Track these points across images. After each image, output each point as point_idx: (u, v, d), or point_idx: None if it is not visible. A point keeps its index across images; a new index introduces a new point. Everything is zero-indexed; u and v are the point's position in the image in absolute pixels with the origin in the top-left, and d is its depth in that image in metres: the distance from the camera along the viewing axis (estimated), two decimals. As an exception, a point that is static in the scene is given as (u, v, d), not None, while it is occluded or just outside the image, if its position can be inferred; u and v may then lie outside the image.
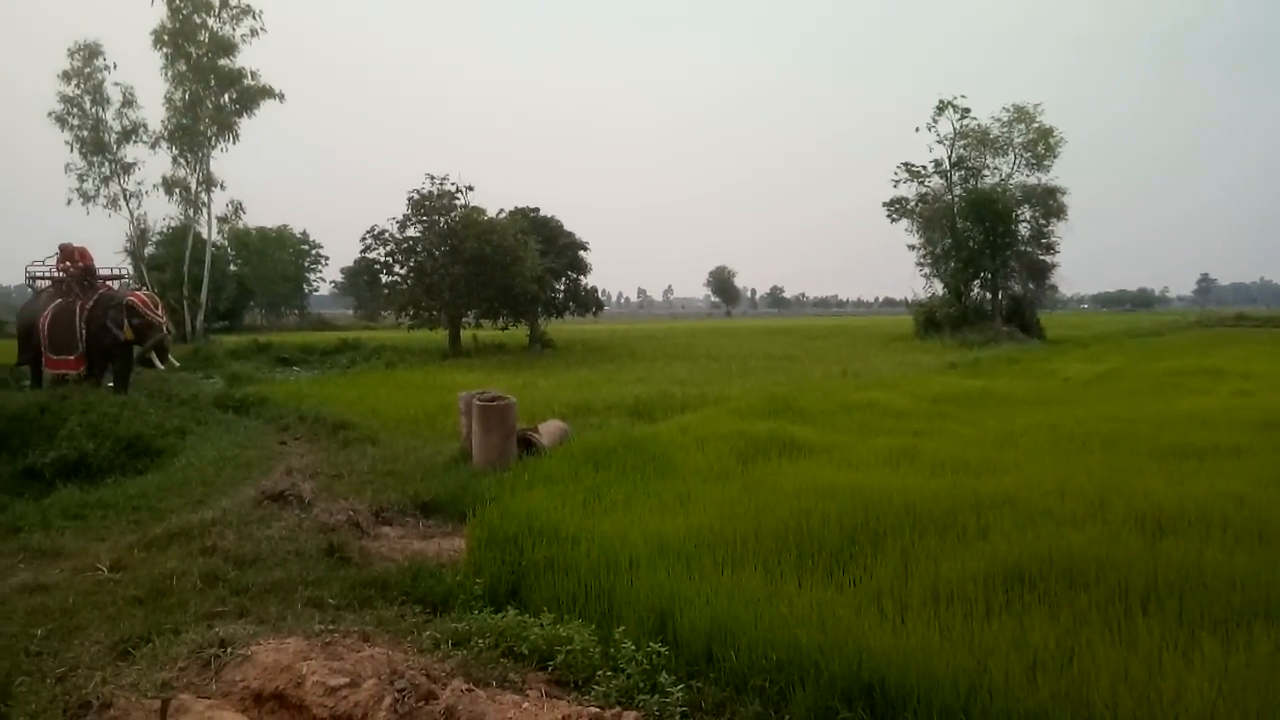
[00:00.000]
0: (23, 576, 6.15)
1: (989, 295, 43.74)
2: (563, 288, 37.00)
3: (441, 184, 31.50)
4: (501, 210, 34.24)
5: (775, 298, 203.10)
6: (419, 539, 7.48)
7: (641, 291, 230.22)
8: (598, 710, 3.28)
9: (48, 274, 19.14)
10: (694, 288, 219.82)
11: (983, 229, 41.88)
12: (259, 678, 3.84)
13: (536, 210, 36.49)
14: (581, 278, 37.59)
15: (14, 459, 12.19)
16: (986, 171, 43.90)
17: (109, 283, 18.96)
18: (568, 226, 37.02)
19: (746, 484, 7.51)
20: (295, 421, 14.27)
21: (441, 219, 31.24)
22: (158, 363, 16.62)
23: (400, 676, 3.63)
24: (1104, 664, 3.75)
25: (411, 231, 31.86)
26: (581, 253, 37.00)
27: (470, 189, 31.85)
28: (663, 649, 4.19)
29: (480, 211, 31.84)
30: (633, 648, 4.19)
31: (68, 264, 18.44)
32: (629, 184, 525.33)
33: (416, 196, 31.44)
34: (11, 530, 7.57)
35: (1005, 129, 43.08)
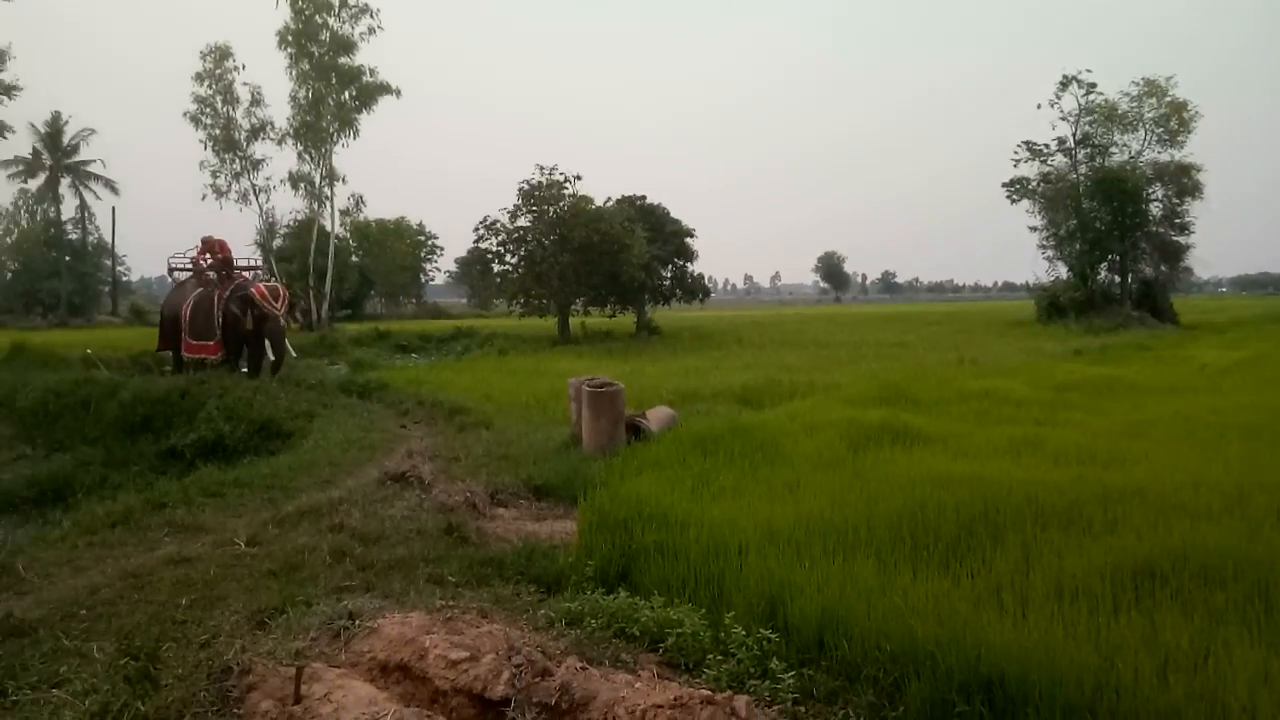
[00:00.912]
0: (168, 549, 6.62)
1: (1117, 279, 41.53)
2: (669, 275, 37.07)
3: (550, 174, 32.03)
4: (609, 199, 34.61)
5: (887, 283, 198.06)
6: (532, 521, 7.67)
7: (748, 278, 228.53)
8: (709, 693, 3.30)
9: (186, 265, 20.47)
10: (802, 274, 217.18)
11: (1110, 209, 39.72)
12: (385, 649, 4.02)
13: (643, 198, 36.66)
14: (688, 265, 37.58)
15: (157, 440, 13.14)
16: (1114, 149, 41.54)
17: (245, 273, 20.12)
18: (674, 214, 37.07)
19: (857, 472, 7.39)
20: (414, 406, 14.82)
21: (550, 208, 31.77)
22: (270, 354, 17.42)
23: (517, 652, 3.74)
24: (1241, 665, 3.56)
25: (522, 221, 32.54)
26: (688, 240, 36.97)
27: (578, 178, 32.32)
28: (773, 635, 4.18)
29: (588, 200, 32.24)
30: (743, 633, 4.20)
31: (207, 255, 19.65)
32: (735, 169, 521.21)
33: (526, 187, 32.07)
34: (157, 506, 8.13)
35: (1135, 104, 40.60)
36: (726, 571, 4.97)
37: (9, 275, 54.84)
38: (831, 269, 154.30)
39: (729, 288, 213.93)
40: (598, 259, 30.76)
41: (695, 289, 38.08)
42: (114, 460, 12.20)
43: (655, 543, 5.53)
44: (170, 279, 22.09)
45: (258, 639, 4.41)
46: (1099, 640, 3.85)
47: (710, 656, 4.15)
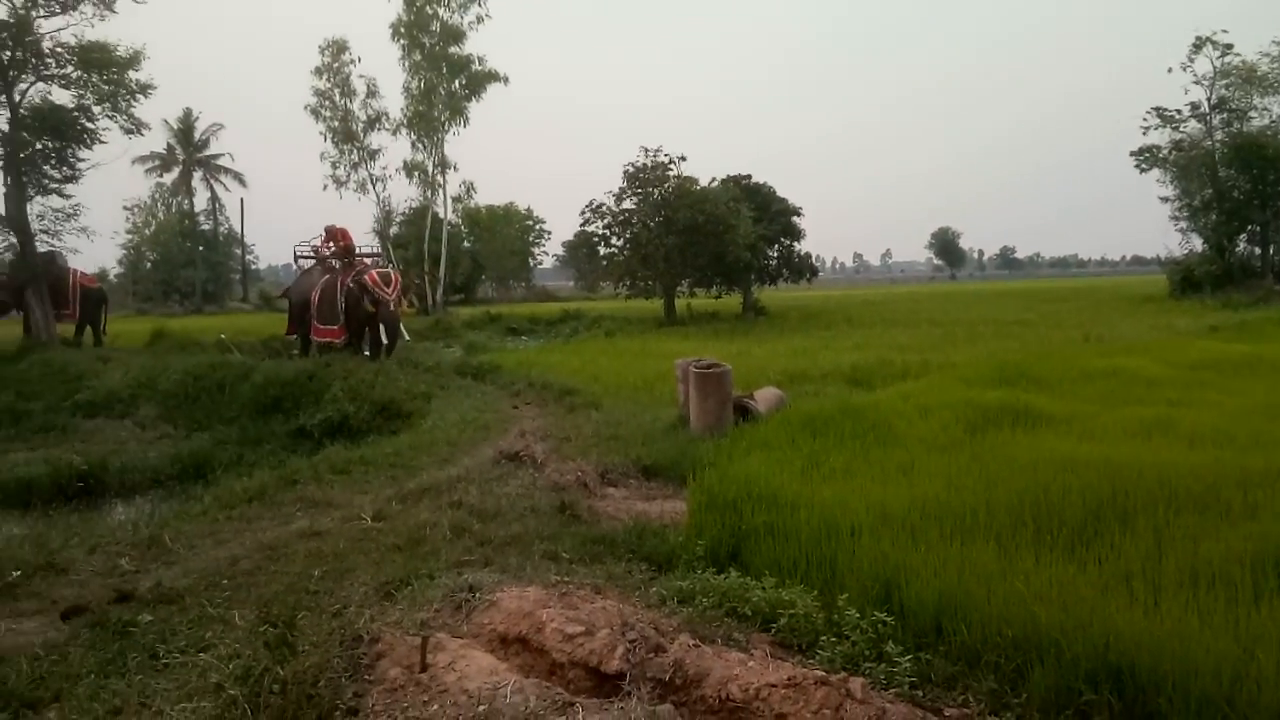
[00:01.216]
0: (301, 524, 7.00)
1: (1258, 250, 38.79)
2: (775, 254, 36.61)
3: (654, 156, 32.04)
4: (713, 179, 34.37)
5: (1006, 258, 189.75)
6: (642, 500, 7.76)
7: (858, 256, 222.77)
8: (823, 674, 3.29)
9: (309, 253, 21.48)
10: (914, 251, 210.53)
11: (1249, 177, 37.04)
12: (504, 622, 4.15)
13: (748, 177, 36.25)
14: (795, 244, 37.01)
15: (288, 420, 13.85)
16: (1253, 113, 38.64)
17: (365, 260, 20.98)
18: (780, 192, 36.53)
19: (975, 454, 7.16)
20: (525, 387, 15.14)
21: (655, 190, 31.80)
22: (383, 336, 18.02)
23: (631, 628, 3.80)
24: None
25: (627, 204, 32.69)
26: (795, 218, 36.39)
27: (682, 159, 32.20)
28: (888, 619, 4.12)
29: (692, 181, 32.13)
30: (857, 616, 4.16)
31: (331, 244, 20.58)
32: (845, 143, 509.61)
33: (631, 169, 32.18)
34: (290, 482, 8.59)
35: (1275, 65, 37.64)
36: (839, 553, 4.92)
37: (149, 265, 58.62)
38: (946, 245, 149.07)
39: (837, 266, 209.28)
40: (703, 240, 30.65)
41: (802, 268, 37.50)
42: (248, 439, 12.91)
43: (765, 523, 5.52)
44: (295, 267, 23.24)
45: (385, 609, 4.62)
46: (1238, 630, 3.64)
47: (824, 638, 4.13)
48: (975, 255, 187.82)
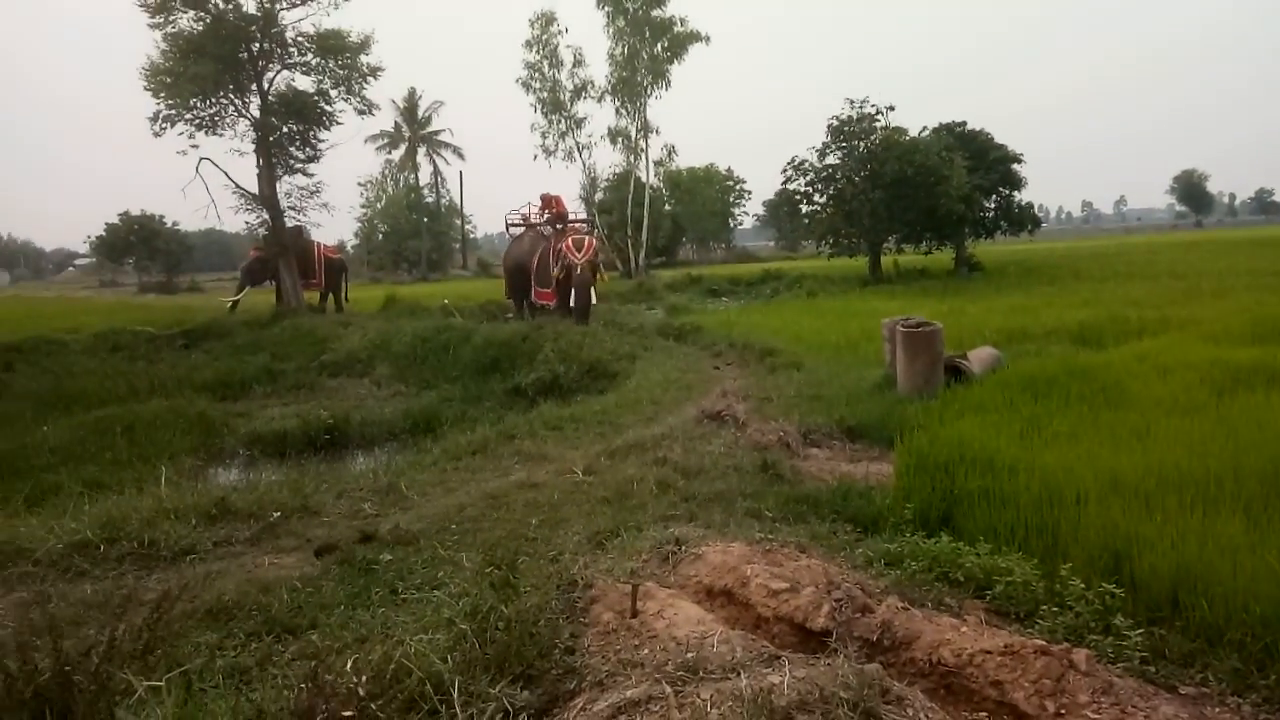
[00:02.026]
0: (519, 475, 7.46)
1: None
2: (993, 206, 34.30)
3: (860, 107, 30.87)
4: (924, 128, 32.66)
5: (1261, 202, 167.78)
6: (846, 461, 7.65)
7: (1086, 205, 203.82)
8: (1044, 643, 3.14)
9: (519, 220, 22.57)
10: (1152, 197, 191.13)
11: None
12: (709, 575, 4.26)
13: (963, 124, 34.11)
14: (1014, 193, 34.48)
15: (504, 379, 14.69)
16: None
17: (576, 226, 21.78)
18: (999, 139, 34.11)
19: (1222, 418, 6.50)
20: (726, 348, 15.23)
21: (860, 143, 30.69)
22: (572, 299, 18.50)
23: (837, 587, 3.79)
24: None
25: (831, 159, 31.76)
26: (1014, 166, 33.89)
27: (890, 109, 30.82)
28: (1117, 590, 3.86)
29: (901, 132, 30.70)
30: (1082, 586, 3.92)
31: (545, 211, 21.54)
32: (1070, 80, 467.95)
33: (835, 123, 31.18)
34: (508, 437, 9.15)
35: None
36: (1062, 521, 4.65)
37: (380, 236, 63.57)
38: (1191, 189, 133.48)
39: (1063, 216, 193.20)
40: (912, 193, 29.27)
41: (1023, 219, 34.85)
42: (470, 397, 13.82)
43: (980, 488, 5.30)
44: (507, 234, 24.47)
45: (597, 558, 4.85)
46: None
47: (1044, 608, 3.93)
48: (1225, 200, 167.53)
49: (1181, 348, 9.86)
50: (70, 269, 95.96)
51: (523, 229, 22.37)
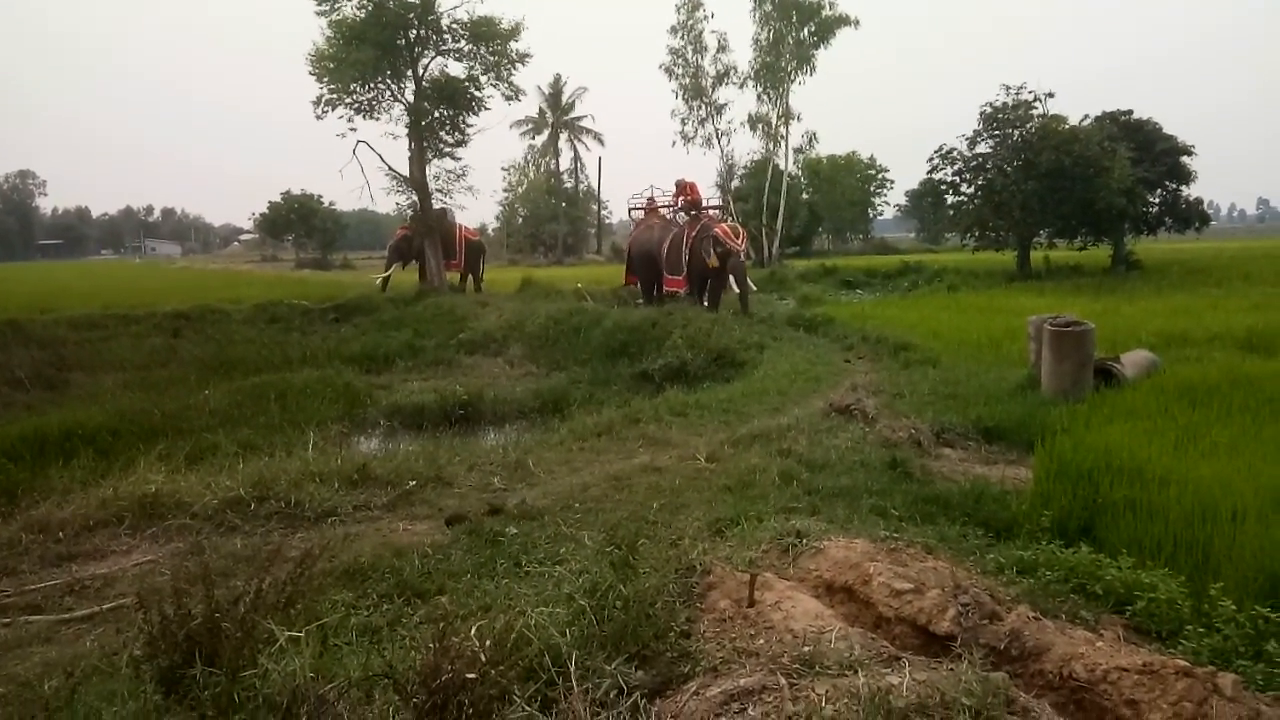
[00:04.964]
0: (642, 459, 7.56)
1: None
2: (1158, 200, 31.98)
3: (1016, 94, 29.41)
4: (1085, 116, 30.81)
5: None
6: (980, 464, 7.38)
7: (1263, 202, 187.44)
8: (1187, 664, 2.94)
9: (640, 205, 22.78)
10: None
11: None
12: (830, 570, 4.20)
13: (1128, 113, 31.93)
14: (1182, 188, 32.02)
15: (632, 363, 14.87)
16: None
17: (710, 213, 21.73)
18: (1168, 129, 31.75)
19: None
20: (858, 341, 14.91)
21: (1015, 132, 29.24)
22: (734, 286, 18.51)
23: (964, 592, 3.67)
24: None
25: (981, 148, 30.40)
26: (1183, 158, 31.47)
27: (1049, 96, 29.21)
28: (1272, 615, 3.59)
29: (1060, 120, 29.04)
30: (1233, 607, 3.67)
31: (680, 197, 21.58)
32: (1256, 78, 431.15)
33: (989, 110, 29.82)
34: (633, 421, 9.26)
35: None
36: (1216, 538, 4.38)
37: (519, 220, 65.21)
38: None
39: (1235, 214, 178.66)
40: (1068, 185, 27.63)
41: (1190, 216, 32.29)
42: (598, 379, 14.06)
43: (1126, 498, 5.04)
44: (629, 218, 24.70)
45: (716, 545, 4.86)
46: None
47: (1189, 628, 3.71)
48: None
49: (1370, 359, 8.99)
50: (235, 244, 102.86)
51: (646, 215, 22.49)
